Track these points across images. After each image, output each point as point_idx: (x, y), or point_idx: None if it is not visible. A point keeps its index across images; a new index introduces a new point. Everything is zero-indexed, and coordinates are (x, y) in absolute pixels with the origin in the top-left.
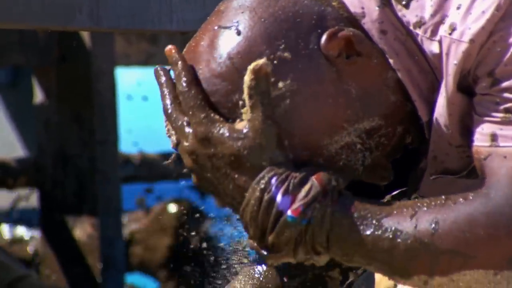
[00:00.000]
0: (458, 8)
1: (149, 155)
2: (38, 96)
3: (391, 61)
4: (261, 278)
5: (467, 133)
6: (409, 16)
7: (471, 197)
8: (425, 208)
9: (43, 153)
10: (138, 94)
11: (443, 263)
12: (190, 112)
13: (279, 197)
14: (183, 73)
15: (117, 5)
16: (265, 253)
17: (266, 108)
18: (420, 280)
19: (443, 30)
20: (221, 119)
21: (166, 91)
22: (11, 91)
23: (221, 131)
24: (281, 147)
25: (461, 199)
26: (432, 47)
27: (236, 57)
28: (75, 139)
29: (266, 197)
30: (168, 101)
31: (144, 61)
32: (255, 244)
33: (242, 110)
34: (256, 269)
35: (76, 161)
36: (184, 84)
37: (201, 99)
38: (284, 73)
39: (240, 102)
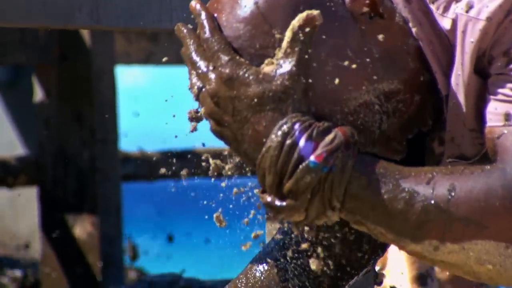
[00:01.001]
0: None
1: (149, 153)
2: (39, 94)
3: (413, 30)
4: (262, 277)
5: (481, 117)
6: None
7: (488, 169)
8: (443, 174)
9: (43, 152)
10: (136, 94)
11: (456, 229)
12: (215, 57)
13: (302, 142)
14: (206, 20)
15: (117, 3)
16: (278, 204)
17: (302, 57)
18: (431, 245)
19: (459, 8)
20: (247, 62)
21: (188, 41)
22: (11, 89)
23: (247, 73)
24: (306, 97)
25: (479, 170)
26: (444, 23)
27: (262, 2)
28: (75, 138)
29: (288, 141)
30: (191, 50)
31: (144, 60)
32: (269, 198)
33: (276, 51)
34: (257, 268)
35: (76, 159)
36: (208, 31)
37: (225, 43)
38: None
39: (270, 44)
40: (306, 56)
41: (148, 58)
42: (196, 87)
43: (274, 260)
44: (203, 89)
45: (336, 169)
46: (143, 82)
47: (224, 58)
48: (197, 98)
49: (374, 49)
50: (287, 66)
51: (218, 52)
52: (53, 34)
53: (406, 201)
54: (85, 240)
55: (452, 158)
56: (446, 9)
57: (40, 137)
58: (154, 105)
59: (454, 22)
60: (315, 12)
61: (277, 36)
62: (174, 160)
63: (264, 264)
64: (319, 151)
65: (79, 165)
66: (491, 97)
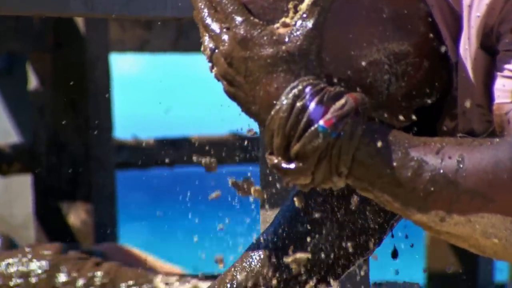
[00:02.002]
0: None
1: (143, 141)
2: (33, 82)
3: None
4: (258, 266)
5: (488, 94)
6: None
7: (497, 142)
8: (452, 145)
9: (37, 139)
10: (131, 81)
11: (463, 201)
12: (229, 18)
13: (312, 106)
14: None
15: None
16: (285, 166)
17: (320, 20)
18: (437, 216)
19: None
20: (261, 22)
21: (201, 4)
22: (6, 77)
23: (261, 34)
24: (320, 59)
25: (488, 142)
26: None
27: None
28: (70, 126)
29: (298, 104)
30: (204, 13)
31: (139, 47)
32: (275, 160)
33: (297, 15)
34: (253, 257)
35: (70, 147)
36: None
37: (239, 4)
38: None
39: (282, 7)
40: (324, 19)
41: (143, 46)
42: (209, 48)
43: (271, 247)
44: (216, 50)
45: (345, 135)
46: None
47: (238, 19)
48: (210, 59)
49: (385, 9)
50: (303, 28)
51: (232, 14)
52: (47, 22)
53: (414, 170)
54: (79, 228)
55: (463, 133)
56: None
57: (35, 125)
58: (148, 92)
59: None
60: None
61: None
62: (169, 148)
63: (260, 252)
64: (328, 115)
65: (73, 152)
66: (499, 74)
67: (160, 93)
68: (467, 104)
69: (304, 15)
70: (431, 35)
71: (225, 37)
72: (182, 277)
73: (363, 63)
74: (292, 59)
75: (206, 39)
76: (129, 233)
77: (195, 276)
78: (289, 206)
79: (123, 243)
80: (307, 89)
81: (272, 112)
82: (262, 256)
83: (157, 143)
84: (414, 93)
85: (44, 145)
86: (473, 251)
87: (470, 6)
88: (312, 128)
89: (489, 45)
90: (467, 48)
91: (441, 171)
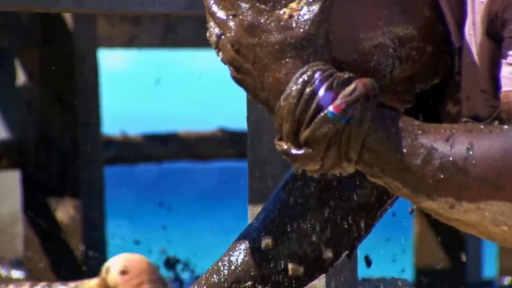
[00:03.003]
0: None
1: (131, 136)
2: (21, 78)
3: None
4: (245, 259)
5: (493, 80)
6: None
7: (506, 129)
8: (462, 132)
9: (25, 135)
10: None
11: (472, 188)
12: (235, 5)
13: (321, 91)
14: None
15: None
16: (294, 152)
17: (326, 3)
18: (447, 203)
19: None
20: (267, 8)
21: None
22: None
23: (268, 20)
24: (328, 44)
25: (497, 129)
26: None
27: None
28: (58, 121)
29: (307, 89)
30: (211, 1)
31: (127, 43)
32: (285, 146)
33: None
34: (240, 249)
35: (58, 143)
36: None
37: None
38: None
39: None
40: (330, 3)
41: (131, 41)
42: (215, 35)
43: (257, 239)
44: (223, 37)
45: (354, 121)
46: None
47: (245, 5)
48: (216, 46)
49: None
50: (310, 13)
51: (238, 1)
52: (35, 17)
53: (424, 157)
54: (67, 224)
55: (467, 118)
56: None
57: (23, 121)
58: (136, 88)
59: None
60: None
61: None
62: (157, 144)
63: (247, 244)
64: (338, 101)
65: (61, 148)
66: (504, 61)
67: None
68: (472, 93)
69: (310, 0)
70: (436, 20)
71: (232, 23)
72: (33, 284)
73: (368, 46)
74: (300, 45)
75: (212, 25)
76: (117, 228)
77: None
78: (275, 199)
79: (111, 239)
80: (316, 75)
81: (282, 98)
82: (248, 249)
83: (145, 138)
84: (416, 77)
85: (32, 140)
86: (482, 237)
87: None
88: (322, 114)
89: (494, 32)
90: (472, 33)
91: (451, 158)
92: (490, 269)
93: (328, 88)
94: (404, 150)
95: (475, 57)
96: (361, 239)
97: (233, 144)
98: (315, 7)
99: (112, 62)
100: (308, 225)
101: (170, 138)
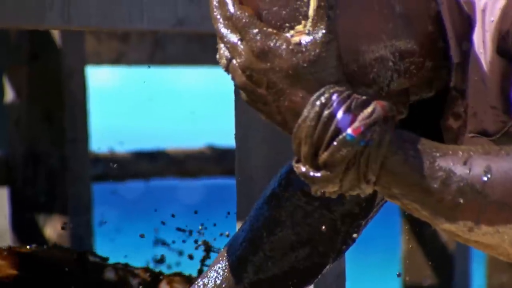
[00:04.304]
0: None
1: (119, 153)
2: (9, 94)
3: None
4: (232, 268)
5: (504, 96)
6: None
7: None
8: (479, 154)
9: (13, 152)
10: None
11: (490, 212)
12: (243, 32)
13: (340, 114)
14: None
15: (88, 3)
16: (313, 174)
17: (331, 21)
18: (465, 226)
19: None
20: (275, 31)
21: (217, 13)
22: None
23: (277, 44)
24: (340, 62)
25: None
26: None
27: None
28: (46, 138)
29: (326, 112)
30: (220, 23)
31: (115, 60)
32: (303, 168)
33: (308, 22)
34: (227, 259)
35: (46, 159)
36: (231, 7)
37: (250, 16)
38: None
39: (293, 15)
40: (334, 20)
41: (119, 58)
42: (225, 57)
43: (243, 249)
44: (233, 61)
45: (373, 143)
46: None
47: (253, 31)
48: (227, 69)
49: (396, 6)
50: (318, 34)
51: (245, 27)
52: (23, 34)
53: (443, 180)
54: (55, 241)
55: (474, 133)
56: None
57: (11, 137)
58: (124, 105)
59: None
60: None
61: None
62: (145, 161)
63: (232, 257)
64: (356, 124)
65: (49, 165)
66: None
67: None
68: (480, 110)
69: (315, 20)
70: (438, 35)
71: (242, 49)
72: None
73: (369, 59)
74: (313, 69)
75: (222, 47)
76: (106, 245)
77: None
78: (260, 209)
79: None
80: (334, 97)
81: (299, 121)
82: (233, 261)
83: (133, 155)
84: (411, 90)
85: (20, 157)
86: (502, 258)
87: (483, 11)
88: (340, 136)
89: (505, 49)
90: (482, 52)
91: (469, 181)
92: (478, 286)
93: (347, 111)
94: (423, 173)
95: (486, 74)
96: (346, 248)
97: (221, 161)
98: (322, 29)
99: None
100: (293, 237)
101: (158, 155)
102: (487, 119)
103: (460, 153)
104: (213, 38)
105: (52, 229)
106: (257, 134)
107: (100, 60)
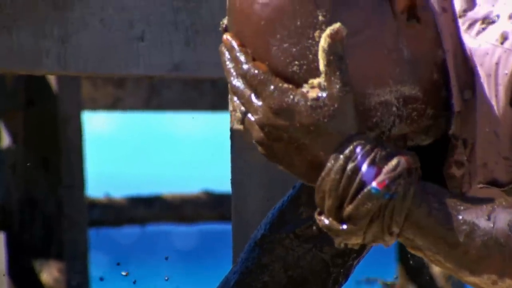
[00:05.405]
0: (510, 17)
1: (115, 199)
2: (5, 140)
3: (444, 40)
4: None
5: None
6: (456, 3)
7: None
8: (503, 208)
9: (10, 197)
10: (105, 138)
11: None
12: (259, 89)
13: (364, 167)
14: (240, 54)
15: (84, 49)
16: (337, 227)
17: (344, 73)
18: (489, 279)
19: (493, 38)
20: (291, 87)
21: (230, 66)
22: None
23: (295, 100)
24: (358, 112)
25: None
26: (469, 42)
27: None
28: (42, 183)
29: (350, 165)
30: (233, 77)
31: (111, 105)
32: (327, 221)
33: (321, 78)
34: None
35: (43, 205)
36: (244, 65)
37: (265, 72)
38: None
39: (303, 53)
40: (346, 71)
41: (115, 104)
42: (239, 111)
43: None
44: (249, 115)
45: (398, 196)
46: (109, 128)
47: (268, 88)
48: (242, 122)
49: (405, 51)
50: (333, 89)
51: (261, 84)
52: (19, 79)
53: (467, 234)
54: (52, 286)
55: (483, 183)
56: (471, 27)
57: (7, 182)
58: (120, 150)
59: (485, 50)
60: (336, 25)
61: (320, 18)
62: (141, 206)
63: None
64: (381, 177)
65: (46, 210)
66: None
67: (132, 152)
68: (491, 160)
69: (328, 75)
70: (442, 83)
71: (259, 105)
72: None
73: (374, 102)
74: (334, 123)
75: (236, 101)
76: None
77: None
78: (251, 252)
79: None
80: (358, 149)
81: (323, 174)
82: None
83: (129, 201)
84: (409, 135)
85: (17, 202)
86: None
87: (497, 64)
88: (365, 190)
89: None
90: (494, 105)
91: (493, 235)
92: None
93: (371, 164)
94: (447, 226)
95: (498, 126)
96: (338, 287)
97: (217, 206)
98: (337, 83)
99: (96, 124)
100: (285, 279)
101: (154, 200)
102: (499, 170)
103: (484, 206)
104: (209, 83)
105: (49, 274)
106: (253, 179)
107: (96, 106)
